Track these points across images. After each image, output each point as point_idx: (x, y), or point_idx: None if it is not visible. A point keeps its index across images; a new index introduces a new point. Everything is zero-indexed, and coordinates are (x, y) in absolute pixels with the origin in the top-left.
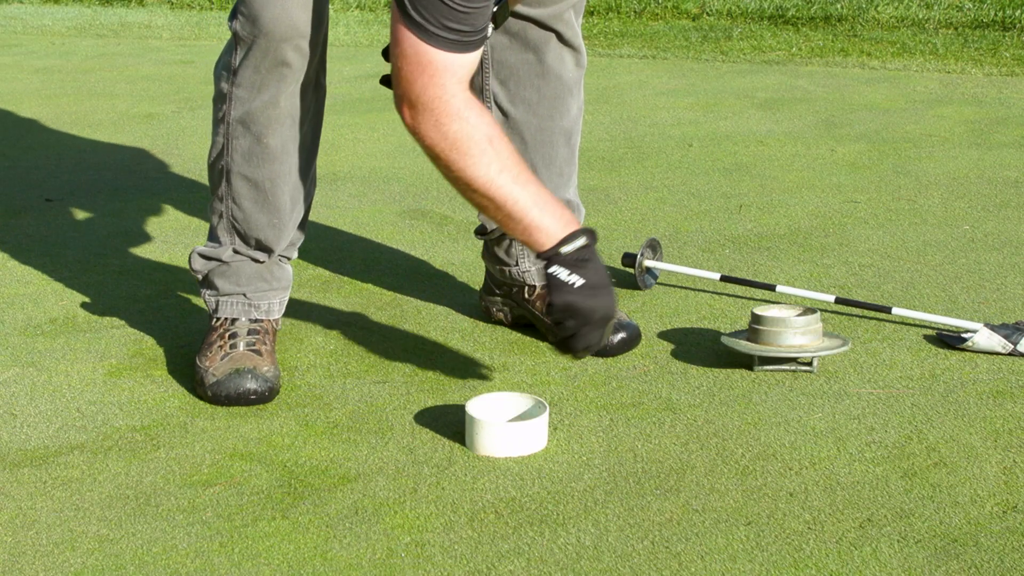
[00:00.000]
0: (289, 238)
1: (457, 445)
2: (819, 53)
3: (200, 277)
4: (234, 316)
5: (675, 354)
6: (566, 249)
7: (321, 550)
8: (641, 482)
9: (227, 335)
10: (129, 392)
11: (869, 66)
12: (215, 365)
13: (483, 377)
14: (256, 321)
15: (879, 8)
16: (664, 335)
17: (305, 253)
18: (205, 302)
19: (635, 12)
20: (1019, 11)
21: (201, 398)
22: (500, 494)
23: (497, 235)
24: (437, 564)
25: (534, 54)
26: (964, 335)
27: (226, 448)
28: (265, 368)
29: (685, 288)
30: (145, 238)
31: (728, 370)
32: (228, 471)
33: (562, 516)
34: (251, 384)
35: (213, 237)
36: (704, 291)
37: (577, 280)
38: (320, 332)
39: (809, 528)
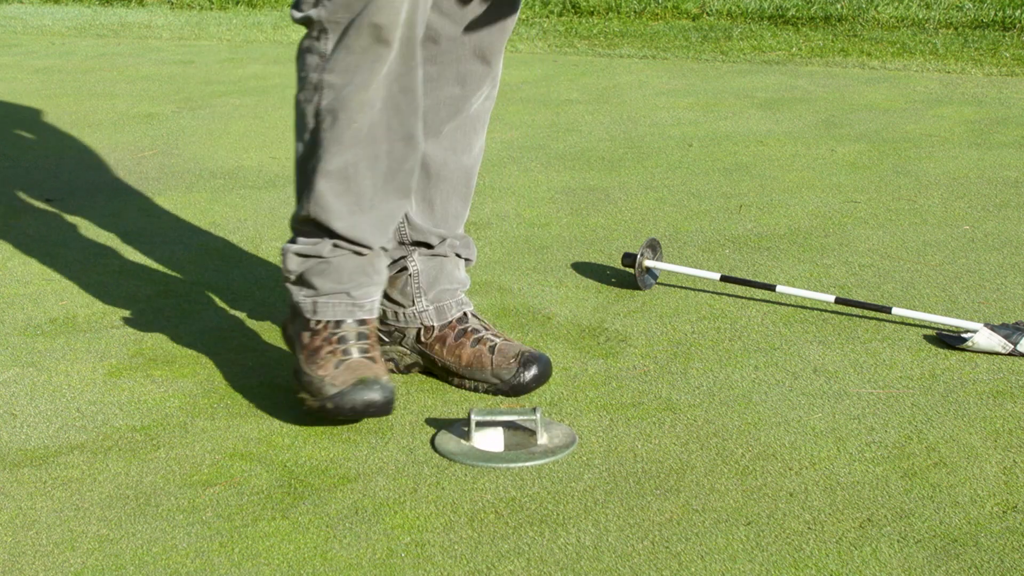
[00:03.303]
0: (382, 227)
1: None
2: (819, 53)
3: (293, 277)
4: (338, 318)
5: (675, 354)
6: None
7: (321, 550)
8: (641, 482)
9: (335, 339)
10: (129, 392)
11: (869, 66)
12: (331, 374)
13: None
14: (363, 323)
15: (879, 8)
16: (664, 335)
17: None
18: (297, 304)
19: (635, 12)
20: (1019, 11)
21: (313, 411)
22: (500, 494)
23: (392, 274)
24: (437, 564)
25: (461, 89)
26: (964, 335)
27: (226, 448)
28: (385, 378)
29: (685, 288)
30: (145, 238)
31: (728, 370)
32: (228, 471)
33: (562, 516)
34: (376, 395)
35: (305, 234)
36: (704, 291)
37: None
38: None
39: (809, 528)
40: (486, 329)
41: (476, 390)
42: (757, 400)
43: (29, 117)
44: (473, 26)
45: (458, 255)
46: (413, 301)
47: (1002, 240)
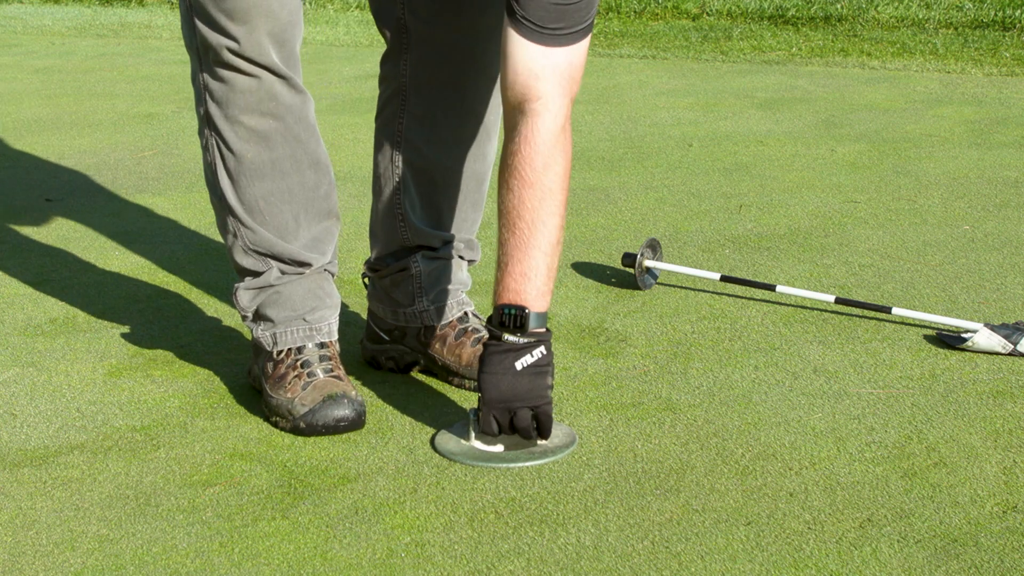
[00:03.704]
0: (317, 247)
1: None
2: (819, 53)
3: (249, 315)
4: (298, 344)
5: (675, 354)
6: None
7: (321, 550)
8: (641, 482)
9: (298, 364)
10: (129, 392)
11: (869, 66)
12: (299, 395)
13: None
14: (323, 346)
15: (879, 8)
16: (664, 335)
17: None
18: (259, 341)
19: (635, 12)
20: (1019, 11)
21: (288, 431)
22: (500, 494)
23: (394, 275)
24: (437, 564)
25: (458, 93)
26: (964, 335)
27: (226, 448)
28: (353, 392)
29: (685, 288)
30: (145, 238)
31: (728, 370)
32: (228, 471)
33: (562, 516)
34: (346, 411)
35: (248, 272)
36: (704, 291)
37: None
38: None
39: (809, 528)
40: (485, 328)
41: (476, 390)
42: (757, 400)
43: (29, 117)
44: (479, 37)
45: (461, 257)
46: (414, 300)
47: (1002, 240)
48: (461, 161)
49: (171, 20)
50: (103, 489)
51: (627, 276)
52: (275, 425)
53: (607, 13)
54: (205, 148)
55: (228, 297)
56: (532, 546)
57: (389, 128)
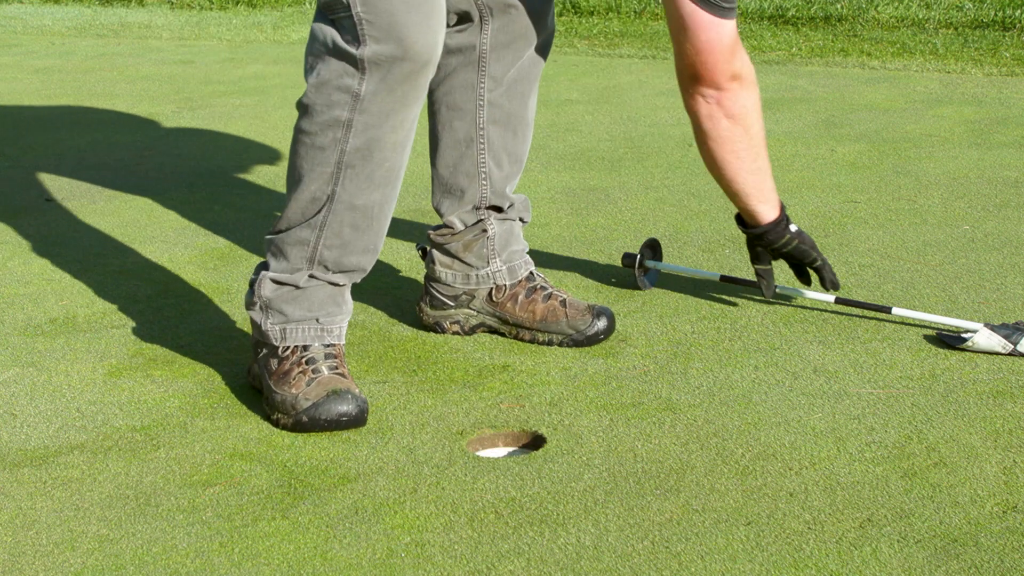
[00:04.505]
0: (368, 264)
1: (457, 445)
2: (819, 53)
3: (260, 303)
4: (306, 343)
5: (675, 354)
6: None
7: (321, 550)
8: (641, 482)
9: (304, 361)
10: (129, 392)
11: (869, 66)
12: (304, 390)
13: (483, 377)
14: (330, 346)
15: (879, 8)
16: (664, 335)
17: None
18: (265, 334)
19: (635, 12)
20: (1019, 11)
21: (289, 428)
22: (500, 494)
23: (468, 238)
24: (437, 564)
25: (531, 49)
26: (964, 335)
27: (226, 448)
28: (357, 390)
29: (685, 288)
30: (145, 238)
31: (728, 370)
32: (228, 471)
33: (562, 516)
34: (350, 407)
35: (282, 263)
36: (704, 291)
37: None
38: None
39: (809, 528)
40: (551, 286)
41: (550, 343)
42: (757, 400)
43: (29, 117)
44: None
45: (520, 219)
46: (488, 262)
47: (1002, 240)
48: (531, 110)
49: (171, 20)
50: (103, 489)
51: (627, 276)
52: (275, 423)
53: (607, 13)
54: (331, 137)
55: (228, 297)
56: (532, 546)
57: (467, 94)
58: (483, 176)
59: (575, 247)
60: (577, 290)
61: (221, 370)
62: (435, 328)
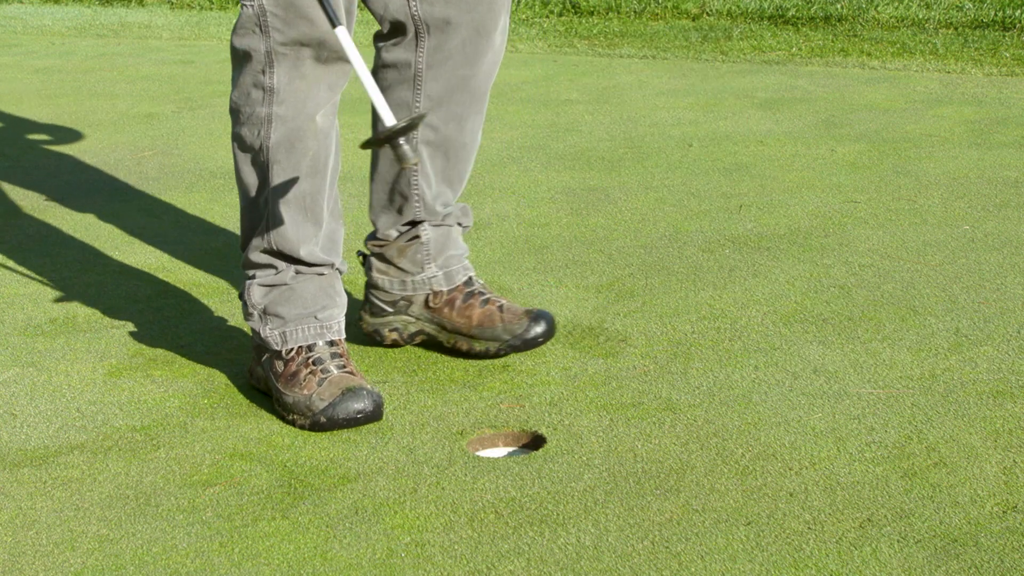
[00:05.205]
0: (334, 247)
1: (457, 445)
2: (819, 53)
3: (257, 313)
4: (309, 342)
5: (675, 354)
6: None
7: (321, 550)
8: (641, 482)
9: (310, 361)
10: (129, 392)
11: (869, 66)
12: (316, 391)
13: (483, 377)
14: (333, 344)
15: (879, 8)
16: (664, 335)
17: None
18: (265, 340)
19: (635, 12)
20: (1019, 11)
21: (307, 428)
22: (500, 494)
23: (401, 243)
24: (437, 564)
25: (471, 69)
26: None
27: (226, 448)
28: (370, 386)
29: (685, 288)
30: (145, 238)
31: (728, 370)
32: (228, 471)
33: (562, 516)
34: (366, 403)
35: (261, 268)
36: (704, 291)
37: None
38: None
39: (809, 528)
40: (490, 292)
41: (486, 352)
42: (757, 400)
43: (29, 117)
44: (495, 7)
45: (459, 224)
46: (423, 267)
47: (1002, 240)
48: (469, 133)
49: (171, 20)
50: (103, 489)
51: (627, 275)
52: (292, 423)
53: (607, 13)
54: (253, 136)
55: (228, 297)
56: (532, 546)
57: (401, 112)
58: (416, 198)
59: (575, 247)
60: (577, 290)
61: (221, 370)
62: (373, 337)
